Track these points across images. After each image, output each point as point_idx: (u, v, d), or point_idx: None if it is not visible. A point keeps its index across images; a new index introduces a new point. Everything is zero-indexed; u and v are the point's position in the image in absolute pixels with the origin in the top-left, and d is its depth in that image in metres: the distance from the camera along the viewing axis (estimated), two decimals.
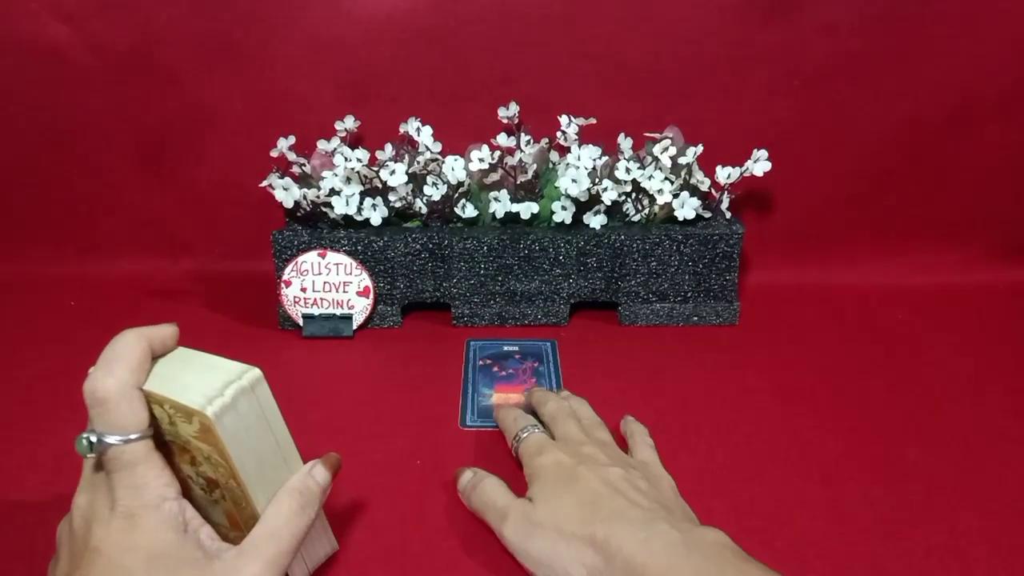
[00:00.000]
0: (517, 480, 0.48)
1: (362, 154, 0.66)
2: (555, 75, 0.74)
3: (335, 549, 0.43)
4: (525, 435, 0.48)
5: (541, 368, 0.64)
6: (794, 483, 0.49)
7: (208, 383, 0.35)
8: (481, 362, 0.65)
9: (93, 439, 0.35)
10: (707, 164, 0.70)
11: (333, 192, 0.67)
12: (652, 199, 0.69)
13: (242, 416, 0.36)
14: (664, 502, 0.42)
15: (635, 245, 0.68)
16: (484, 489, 0.45)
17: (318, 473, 0.40)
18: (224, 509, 0.39)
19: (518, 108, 0.70)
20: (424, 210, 0.69)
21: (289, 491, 0.38)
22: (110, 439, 0.35)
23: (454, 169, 0.68)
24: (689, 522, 0.40)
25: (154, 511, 0.35)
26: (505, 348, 0.67)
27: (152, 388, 0.35)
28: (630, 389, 0.60)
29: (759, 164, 0.69)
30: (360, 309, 0.69)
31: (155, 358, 0.37)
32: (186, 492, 0.41)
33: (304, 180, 0.70)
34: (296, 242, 0.68)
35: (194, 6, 0.72)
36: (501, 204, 0.68)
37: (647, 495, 0.41)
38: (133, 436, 0.35)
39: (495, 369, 0.64)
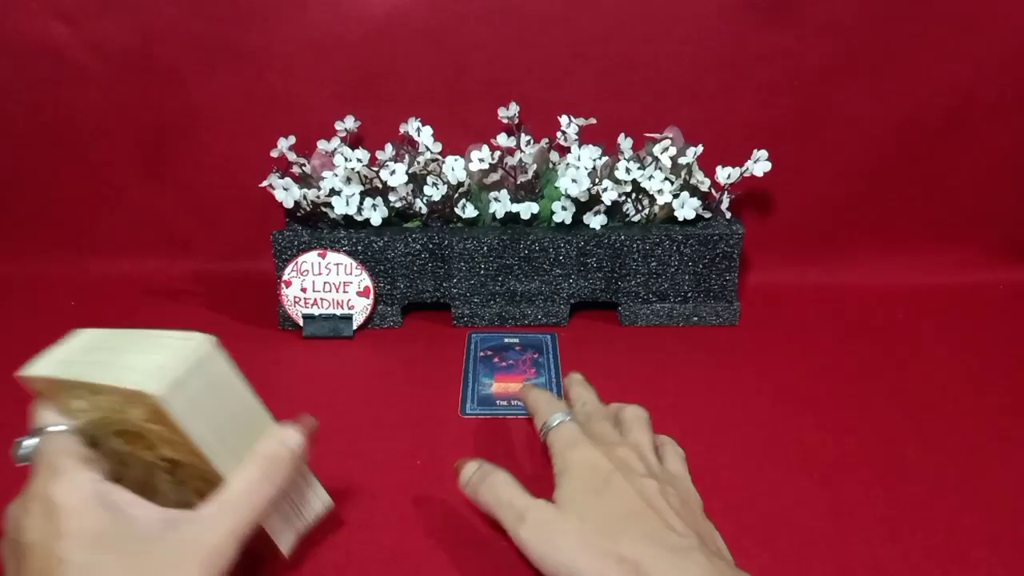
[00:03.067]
0: (523, 474, 0.47)
1: (362, 154, 0.66)
2: (555, 75, 0.74)
3: (328, 507, 0.41)
4: (556, 423, 0.45)
5: (541, 359, 0.64)
6: (794, 483, 0.49)
7: (152, 362, 0.33)
8: (482, 353, 0.65)
9: (26, 442, 0.37)
10: (707, 164, 0.70)
11: (333, 192, 0.67)
12: (652, 199, 0.69)
13: (194, 389, 0.33)
14: (697, 527, 0.40)
15: (635, 245, 0.68)
16: (496, 483, 0.42)
17: (288, 437, 0.38)
18: (193, 488, 0.38)
19: (518, 108, 0.70)
20: (424, 210, 0.69)
21: (253, 458, 0.37)
22: (29, 440, 0.36)
23: (454, 169, 0.68)
24: (719, 556, 0.38)
25: (70, 488, 0.33)
26: (506, 340, 0.68)
27: (93, 378, 0.34)
28: (630, 389, 0.59)
29: (759, 164, 0.69)
30: (360, 309, 0.69)
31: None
32: (151, 480, 0.38)
33: (304, 180, 0.70)
34: (296, 242, 0.68)
35: (194, 6, 0.72)
36: (501, 204, 0.68)
37: (681, 517, 0.39)
38: (50, 428, 0.37)
39: (495, 360, 0.64)
